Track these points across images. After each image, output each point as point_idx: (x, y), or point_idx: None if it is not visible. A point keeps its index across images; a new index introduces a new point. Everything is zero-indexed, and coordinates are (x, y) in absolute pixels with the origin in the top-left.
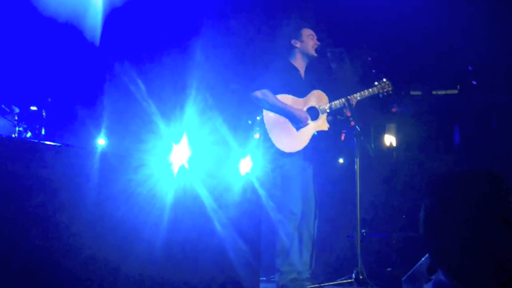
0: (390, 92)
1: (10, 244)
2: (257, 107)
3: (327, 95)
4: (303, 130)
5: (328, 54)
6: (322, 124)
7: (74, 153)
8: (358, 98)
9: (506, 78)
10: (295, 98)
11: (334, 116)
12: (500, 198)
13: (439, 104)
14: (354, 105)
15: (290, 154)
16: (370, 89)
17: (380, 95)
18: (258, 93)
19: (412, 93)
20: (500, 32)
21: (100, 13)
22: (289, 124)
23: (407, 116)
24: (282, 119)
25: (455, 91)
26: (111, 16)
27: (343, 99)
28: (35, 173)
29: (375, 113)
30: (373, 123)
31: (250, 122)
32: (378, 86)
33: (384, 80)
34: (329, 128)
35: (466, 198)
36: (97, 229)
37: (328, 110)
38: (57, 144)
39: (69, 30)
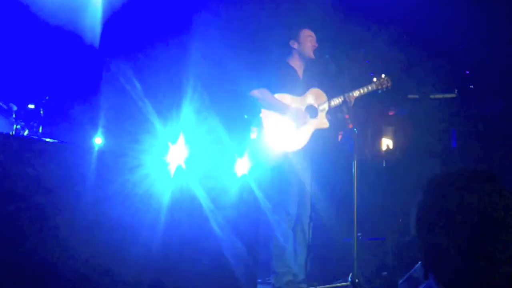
0: (389, 88)
1: (6, 243)
2: (255, 106)
3: (325, 93)
4: (302, 128)
5: (327, 57)
6: (321, 122)
7: (72, 150)
8: (356, 95)
9: (504, 83)
10: (293, 97)
11: (333, 114)
12: (497, 200)
13: (437, 108)
14: (352, 103)
15: (289, 154)
16: (368, 86)
17: (379, 91)
18: (256, 92)
19: (410, 96)
20: (499, 36)
21: (99, 12)
22: (288, 124)
23: (405, 120)
24: (282, 118)
25: (453, 95)
26: (108, 16)
27: (341, 97)
28: (33, 171)
29: (373, 116)
30: (370, 126)
31: (246, 116)
32: (377, 82)
33: (383, 76)
34: (329, 126)
35: (461, 198)
36: (93, 229)
37: (326, 108)
38: (56, 141)
39: (67, 29)
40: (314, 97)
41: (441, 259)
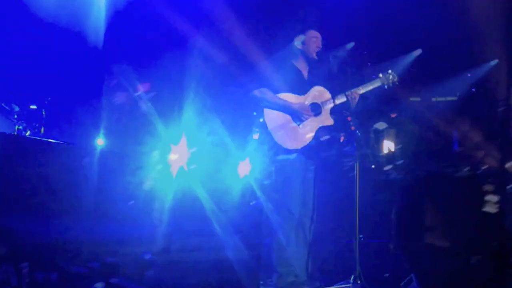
0: (396, 83)
1: (11, 241)
2: (256, 107)
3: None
4: (306, 126)
5: (330, 59)
6: (325, 119)
7: (77, 151)
8: (362, 91)
9: (506, 86)
10: (296, 96)
11: (339, 113)
12: (476, 201)
13: (439, 111)
14: (357, 99)
15: (293, 152)
16: (374, 82)
17: (385, 87)
18: (257, 92)
19: (412, 99)
20: (502, 40)
21: (103, 15)
22: (292, 122)
23: (407, 122)
24: (284, 117)
25: (455, 98)
26: (111, 19)
27: (345, 95)
28: (36, 171)
29: (375, 118)
30: (372, 128)
31: (255, 113)
32: (382, 77)
33: (389, 71)
34: (334, 123)
35: (440, 200)
36: (97, 229)
37: (331, 105)
38: (60, 142)
39: (70, 32)
40: (317, 94)
41: (421, 261)
